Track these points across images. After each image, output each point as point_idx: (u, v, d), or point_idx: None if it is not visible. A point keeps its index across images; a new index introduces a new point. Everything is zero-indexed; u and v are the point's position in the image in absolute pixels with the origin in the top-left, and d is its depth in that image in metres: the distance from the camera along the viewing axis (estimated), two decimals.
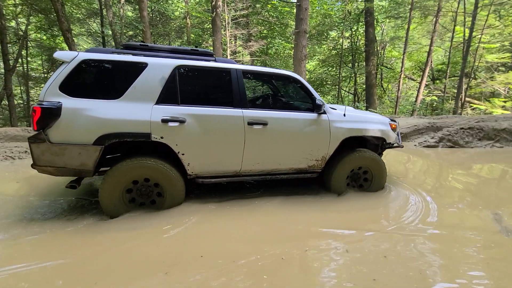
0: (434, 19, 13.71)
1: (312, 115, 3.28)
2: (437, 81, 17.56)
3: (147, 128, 2.67)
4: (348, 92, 21.42)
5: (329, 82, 20.21)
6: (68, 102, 2.51)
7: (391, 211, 3.26)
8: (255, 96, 3.81)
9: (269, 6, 14.60)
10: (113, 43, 14.61)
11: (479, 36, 12.84)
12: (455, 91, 13.59)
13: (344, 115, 3.42)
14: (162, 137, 2.72)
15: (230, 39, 14.74)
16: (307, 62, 24.35)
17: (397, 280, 1.95)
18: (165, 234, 2.52)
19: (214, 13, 10.81)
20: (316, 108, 3.24)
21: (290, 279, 1.97)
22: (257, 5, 15.13)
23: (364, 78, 16.59)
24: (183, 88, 2.88)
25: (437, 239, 2.55)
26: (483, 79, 14.75)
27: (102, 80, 2.79)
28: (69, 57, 2.59)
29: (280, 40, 17.87)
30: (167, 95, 2.80)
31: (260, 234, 2.60)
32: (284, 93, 4.15)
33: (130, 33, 15.61)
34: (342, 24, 17.32)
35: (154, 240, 2.45)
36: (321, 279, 2.00)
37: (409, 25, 14.20)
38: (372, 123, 3.61)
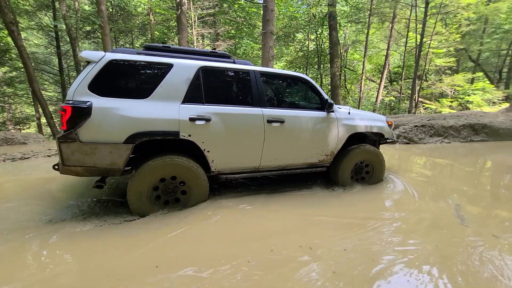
0: (390, 25, 14.75)
1: (322, 113, 3.51)
2: (394, 83, 18.91)
3: (176, 127, 2.74)
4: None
5: None
6: (98, 102, 2.51)
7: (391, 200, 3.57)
8: (270, 95, 4.03)
9: (236, 6, 14.55)
10: (68, 38, 13.49)
11: (429, 41, 14.06)
12: (410, 92, 14.72)
13: (349, 113, 3.70)
14: (190, 135, 2.80)
15: (197, 38, 14.43)
16: (275, 63, 24.84)
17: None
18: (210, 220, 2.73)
19: (179, 11, 10.48)
20: (328, 107, 3.48)
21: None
22: (224, 5, 15.02)
23: (330, 79, 17.27)
24: (207, 88, 2.98)
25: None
26: (433, 81, 16.18)
27: (130, 80, 2.81)
28: (97, 57, 2.60)
29: (248, 41, 17.93)
30: (192, 95, 2.88)
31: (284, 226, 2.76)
32: (295, 93, 4.35)
33: (88, 28, 14.55)
34: (307, 26, 17.90)
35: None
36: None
37: (369, 30, 15.10)
38: (373, 120, 3.91)
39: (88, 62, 2.63)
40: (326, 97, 3.54)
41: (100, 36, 10.61)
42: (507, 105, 11.32)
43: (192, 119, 2.79)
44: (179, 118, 2.75)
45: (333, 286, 1.83)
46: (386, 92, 18.02)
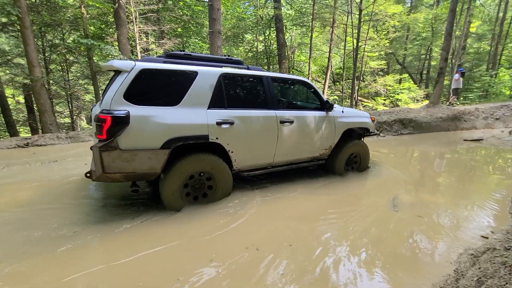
0: (331, 29, 15.86)
1: (322, 113, 3.99)
2: (337, 83, 20.44)
3: (205, 131, 2.95)
4: None
5: None
6: (134, 110, 2.61)
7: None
8: (280, 98, 4.28)
9: (181, 3, 14.02)
10: None
11: (364, 46, 15.51)
12: (350, 91, 16.05)
13: (343, 111, 4.23)
14: (217, 138, 3.05)
15: (140, 35, 13.49)
16: None
17: None
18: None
19: (117, 5, 9.64)
20: (328, 107, 3.98)
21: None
22: (169, 1, 14.34)
23: None
24: (228, 93, 3.21)
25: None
26: (369, 82, 17.90)
27: (161, 88, 2.88)
28: (128, 67, 2.66)
29: (196, 40, 17.46)
30: (216, 100, 3.08)
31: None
32: (298, 95, 4.71)
33: (4, 20, 12.41)
34: (255, 28, 18.21)
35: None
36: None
37: (312, 33, 16.01)
38: (361, 117, 4.52)
39: (118, 72, 2.72)
40: (325, 98, 4.03)
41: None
42: (427, 102, 13.11)
43: (218, 123, 3.04)
44: (208, 122, 2.98)
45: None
46: (330, 91, 19.35)
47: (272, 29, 18.44)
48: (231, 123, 3.12)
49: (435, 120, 10.07)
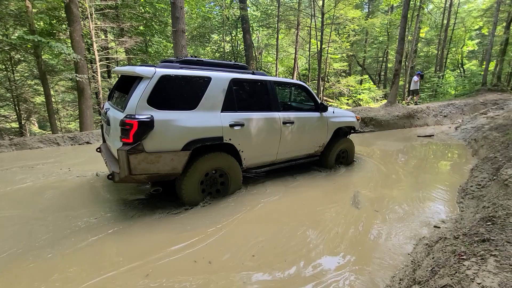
0: (296, 31, 16.27)
1: (317, 114, 4.38)
2: None
3: (220, 132, 3.18)
4: None
5: None
6: (157, 115, 2.76)
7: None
8: (281, 100, 4.50)
9: (142, 0, 13.38)
10: None
11: (327, 48, 16.14)
12: (316, 91, 16.60)
13: (333, 112, 4.65)
14: (230, 139, 3.29)
15: (97, 33, 12.60)
16: None
17: None
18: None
19: None
20: (323, 109, 4.38)
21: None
22: None
23: None
24: (238, 97, 3.44)
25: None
26: (333, 82, 18.67)
27: (180, 93, 3.02)
28: (150, 73, 2.78)
29: (160, 39, 16.77)
30: (228, 104, 3.30)
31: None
32: (295, 97, 5.04)
33: None
34: (222, 28, 18.03)
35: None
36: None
37: (278, 35, 16.27)
38: (348, 116, 4.99)
39: (140, 78, 2.82)
40: (319, 100, 4.40)
41: None
42: (385, 101, 14.04)
43: (231, 125, 3.29)
44: (222, 125, 3.21)
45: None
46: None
47: (238, 29, 18.40)
48: (242, 125, 3.39)
49: (392, 118, 10.80)
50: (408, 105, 13.40)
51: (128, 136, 2.62)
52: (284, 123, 3.86)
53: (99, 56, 12.29)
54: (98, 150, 3.80)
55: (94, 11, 11.76)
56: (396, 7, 17.67)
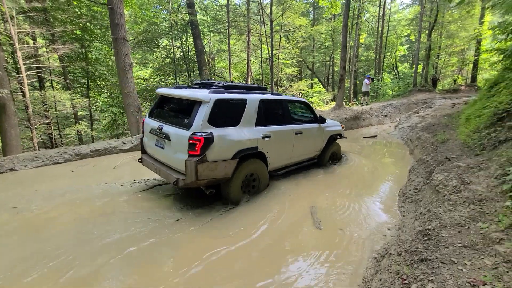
0: (247, 37, 16.39)
1: (316, 125, 5.37)
2: None
3: (256, 143, 3.92)
4: None
5: None
6: (215, 131, 3.44)
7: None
8: (292, 115, 5.23)
9: (76, 2, 12.13)
10: None
11: (278, 54, 16.57)
12: None
13: (327, 122, 5.67)
14: (262, 148, 4.02)
15: (21, 39, 11.01)
16: (140, 69, 22.55)
17: None
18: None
19: None
20: (321, 121, 5.44)
21: None
22: None
23: None
24: (264, 114, 4.12)
25: None
26: (286, 87, 19.25)
27: (228, 113, 3.70)
28: (208, 98, 3.44)
29: (100, 44, 15.37)
30: (259, 120, 4.00)
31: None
32: (300, 112, 5.86)
33: None
34: (170, 33, 17.29)
35: None
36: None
37: (229, 40, 16.19)
38: (336, 126, 6.06)
39: (200, 102, 3.43)
40: (318, 114, 5.46)
41: None
42: (334, 103, 14.92)
43: (263, 137, 4.03)
44: (257, 137, 3.94)
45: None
46: None
47: (189, 34, 17.85)
48: (269, 137, 4.15)
49: (341, 120, 11.50)
50: (363, 105, 14.60)
51: (196, 149, 3.26)
52: (296, 133, 4.76)
53: (26, 65, 10.75)
54: (140, 160, 4.29)
55: (17, 14, 10.24)
56: (338, 15, 18.97)
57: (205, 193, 3.64)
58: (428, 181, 3.79)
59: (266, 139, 4.08)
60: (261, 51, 17.24)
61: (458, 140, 5.07)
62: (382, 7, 20.74)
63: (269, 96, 4.36)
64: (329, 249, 2.85)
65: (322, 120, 5.41)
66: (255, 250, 2.85)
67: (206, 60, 18.59)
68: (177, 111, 3.97)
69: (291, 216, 3.62)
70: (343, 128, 6.32)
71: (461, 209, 2.52)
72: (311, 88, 19.92)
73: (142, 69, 22.36)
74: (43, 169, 5.85)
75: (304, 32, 16.96)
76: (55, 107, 13.55)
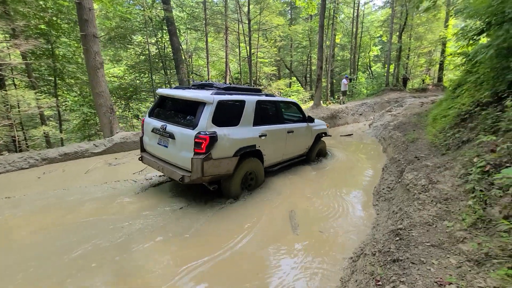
0: (225, 35, 16.20)
1: (305, 124, 5.73)
2: None
3: (254, 142, 4.25)
4: None
5: (145, 89, 19.02)
6: (219, 131, 3.67)
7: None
8: (284, 115, 5.46)
9: None
10: None
11: (256, 52, 16.57)
12: None
13: (314, 121, 6.04)
14: (259, 146, 4.33)
15: None
16: (113, 67, 21.54)
17: None
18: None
19: None
20: (310, 120, 5.82)
21: None
22: None
23: (178, 85, 16.96)
24: (260, 114, 4.45)
25: None
26: (265, 86, 19.31)
27: (229, 113, 3.95)
28: (212, 100, 3.66)
29: (68, 40, 14.43)
30: (256, 120, 4.31)
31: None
32: (290, 112, 6.05)
33: None
34: (145, 29, 16.65)
35: None
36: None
37: (207, 38, 15.92)
38: (322, 125, 6.46)
39: (204, 103, 3.67)
40: (306, 114, 5.82)
41: None
42: (312, 102, 15.21)
43: (260, 136, 4.29)
44: (255, 136, 4.21)
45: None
46: None
47: (164, 31, 17.29)
48: (265, 135, 4.43)
49: (319, 119, 11.76)
50: (341, 104, 15.08)
51: (202, 147, 3.47)
52: (288, 132, 5.08)
53: None
54: (140, 159, 4.44)
55: None
56: (314, 15, 19.31)
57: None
58: (399, 180, 3.98)
59: (263, 137, 4.38)
60: (239, 49, 17.14)
61: (426, 139, 5.37)
62: (356, 8, 21.42)
63: (264, 98, 4.66)
64: (308, 251, 2.91)
65: (310, 119, 5.79)
66: (238, 255, 2.84)
67: (183, 58, 18.14)
68: (180, 111, 4.10)
69: (269, 221, 3.64)
70: (328, 127, 6.73)
71: (429, 208, 2.67)
72: (290, 87, 20.16)
73: (115, 66, 21.37)
74: (5, 176, 5.42)
75: (281, 32, 17.09)
76: (18, 107, 12.59)
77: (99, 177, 5.37)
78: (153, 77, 18.45)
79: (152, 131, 4.11)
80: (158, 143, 4.06)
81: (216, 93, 3.78)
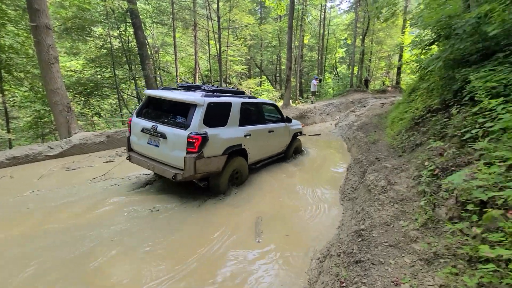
0: (193, 32, 15.79)
1: (283, 124, 6.13)
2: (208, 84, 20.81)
3: (240, 141, 4.56)
4: (132, 96, 20.17)
5: (107, 85, 17.85)
6: (209, 131, 3.94)
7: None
8: (265, 115, 5.82)
9: None
10: None
11: (226, 50, 16.40)
12: None
13: (292, 122, 6.53)
14: (244, 145, 4.67)
15: None
16: (70, 60, 19.85)
17: None
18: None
19: None
20: (288, 120, 6.27)
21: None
22: None
23: (145, 82, 16.19)
24: (245, 115, 4.80)
25: None
26: (236, 84, 19.22)
27: (217, 115, 4.17)
28: (202, 102, 3.90)
29: (16, 29, 12.95)
30: (241, 120, 4.66)
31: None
32: (269, 113, 6.35)
33: None
34: (106, 21, 15.57)
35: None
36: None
37: (175, 34, 15.37)
38: (298, 125, 6.96)
39: (195, 105, 3.89)
40: (284, 115, 6.26)
41: None
42: (281, 102, 15.50)
43: (245, 136, 4.65)
44: (241, 136, 4.57)
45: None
46: None
47: (128, 24, 16.33)
48: (250, 135, 4.75)
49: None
50: (312, 103, 15.65)
51: (194, 147, 3.71)
52: (269, 131, 5.49)
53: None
54: (128, 158, 4.54)
55: None
56: (284, 15, 19.61)
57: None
58: (362, 180, 4.24)
59: (247, 137, 4.70)
60: (208, 47, 16.83)
61: (386, 141, 5.79)
62: (323, 11, 22.18)
63: (248, 100, 4.98)
64: (277, 254, 2.98)
65: (288, 120, 6.26)
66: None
67: (150, 53, 17.33)
68: (171, 112, 4.27)
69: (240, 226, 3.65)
70: (302, 126, 7.32)
71: (387, 208, 2.89)
72: (260, 86, 20.31)
73: (72, 59, 19.71)
74: None
75: (252, 31, 17.10)
76: None
77: (54, 184, 4.94)
78: (116, 72, 17.37)
79: (142, 131, 4.23)
80: (148, 143, 4.18)
81: (206, 95, 4.00)
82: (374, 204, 3.13)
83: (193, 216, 3.77)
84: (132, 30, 16.12)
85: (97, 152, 7.19)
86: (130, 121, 4.54)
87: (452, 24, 4.23)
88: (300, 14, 18.64)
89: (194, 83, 18.21)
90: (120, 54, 17.65)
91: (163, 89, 4.65)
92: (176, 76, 16.31)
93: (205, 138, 3.78)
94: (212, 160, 3.96)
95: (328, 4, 23.83)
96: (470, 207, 1.71)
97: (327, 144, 9.21)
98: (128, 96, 19.86)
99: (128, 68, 17.96)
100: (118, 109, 18.30)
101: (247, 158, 4.85)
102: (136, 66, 18.09)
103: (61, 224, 3.37)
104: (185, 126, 3.81)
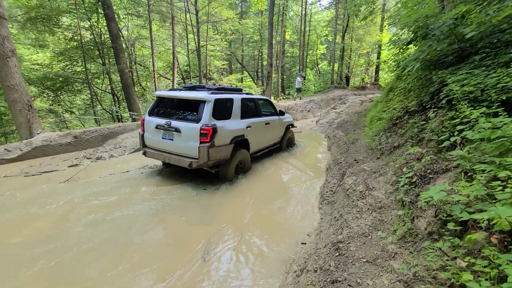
0: (171, 25, 15.12)
1: (277, 117, 6.80)
2: (187, 80, 20.18)
3: (243, 132, 5.18)
4: (106, 92, 19.14)
5: (79, 80, 16.79)
6: (217, 123, 4.53)
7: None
8: (261, 109, 6.41)
9: None
10: None
11: (206, 45, 15.89)
12: None
13: (284, 115, 7.17)
14: (246, 136, 5.27)
15: None
16: (34, 52, 18.47)
17: None
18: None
19: None
20: (281, 114, 6.91)
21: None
22: None
23: (119, 77, 15.36)
24: (245, 109, 5.43)
25: None
26: (216, 80, 18.76)
27: (222, 109, 4.77)
28: (210, 98, 4.50)
29: None
30: (242, 114, 5.27)
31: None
32: (264, 107, 6.68)
33: None
34: (75, 11, 14.52)
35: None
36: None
37: (151, 26, 14.62)
38: (290, 118, 7.58)
39: (204, 101, 4.48)
40: (278, 109, 6.88)
41: None
42: None
43: (247, 127, 5.34)
44: (243, 127, 5.25)
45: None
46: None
47: (100, 15, 15.35)
48: (250, 127, 5.38)
49: None
50: (299, 100, 15.77)
51: (206, 137, 4.29)
52: (266, 123, 6.14)
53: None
54: (144, 153, 5.01)
55: None
56: (265, 10, 19.30)
57: None
58: (341, 183, 4.15)
59: (249, 128, 5.32)
60: (187, 41, 16.21)
61: (364, 141, 5.76)
62: (304, 7, 22.09)
63: (246, 96, 5.70)
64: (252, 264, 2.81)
65: (281, 113, 6.89)
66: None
67: (124, 46, 16.43)
68: (182, 109, 4.83)
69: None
70: (293, 119, 8.07)
71: (365, 216, 2.79)
72: (241, 82, 19.97)
73: (39, 52, 18.33)
74: None
75: (232, 25, 16.68)
76: None
77: (11, 191, 4.46)
78: (88, 67, 16.34)
79: (156, 127, 4.76)
80: (163, 138, 4.74)
81: (212, 93, 4.63)
82: (352, 211, 3.02)
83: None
84: (105, 21, 15.19)
85: (63, 154, 6.66)
86: (143, 120, 5.07)
87: (429, 24, 4.20)
88: (281, 9, 18.43)
89: (173, 78, 17.61)
90: (92, 47, 16.62)
91: (170, 89, 5.25)
92: (154, 71, 15.62)
93: (215, 129, 4.38)
94: (222, 149, 4.56)
95: (309, 0, 23.80)
96: (450, 226, 1.61)
97: (312, 141, 9.13)
98: (102, 91, 18.83)
99: (101, 62, 16.97)
100: (91, 105, 17.29)
101: (249, 148, 5.45)
102: (110, 60, 17.12)
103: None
104: (196, 120, 4.39)
